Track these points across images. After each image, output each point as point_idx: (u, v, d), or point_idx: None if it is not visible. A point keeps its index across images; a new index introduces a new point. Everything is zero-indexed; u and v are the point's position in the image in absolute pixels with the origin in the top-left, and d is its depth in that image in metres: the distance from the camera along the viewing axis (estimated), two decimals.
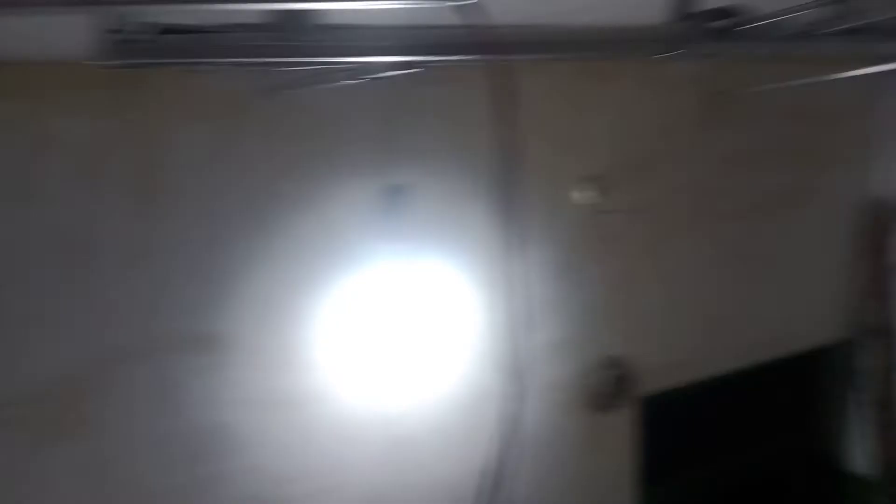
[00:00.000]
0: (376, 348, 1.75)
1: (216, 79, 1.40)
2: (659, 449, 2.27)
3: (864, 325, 2.60)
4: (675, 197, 2.16)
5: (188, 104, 1.43)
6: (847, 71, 2.02)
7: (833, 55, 2.13)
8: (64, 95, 1.35)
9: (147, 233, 1.45)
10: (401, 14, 0.83)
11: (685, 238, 2.21)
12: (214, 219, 1.51)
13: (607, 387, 2.12)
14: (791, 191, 2.43)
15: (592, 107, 1.96)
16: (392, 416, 1.80)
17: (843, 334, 2.63)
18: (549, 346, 2.00)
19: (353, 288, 1.70)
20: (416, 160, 1.71)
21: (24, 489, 1.42)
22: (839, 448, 2.81)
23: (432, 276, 1.78)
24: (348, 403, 1.74)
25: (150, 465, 1.53)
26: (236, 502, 1.63)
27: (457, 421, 1.86)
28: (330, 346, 1.70)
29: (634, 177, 2.05)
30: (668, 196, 2.14)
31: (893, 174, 2.64)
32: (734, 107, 2.21)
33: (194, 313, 1.52)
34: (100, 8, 0.55)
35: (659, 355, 2.21)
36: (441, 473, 1.87)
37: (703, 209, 2.23)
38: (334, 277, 1.67)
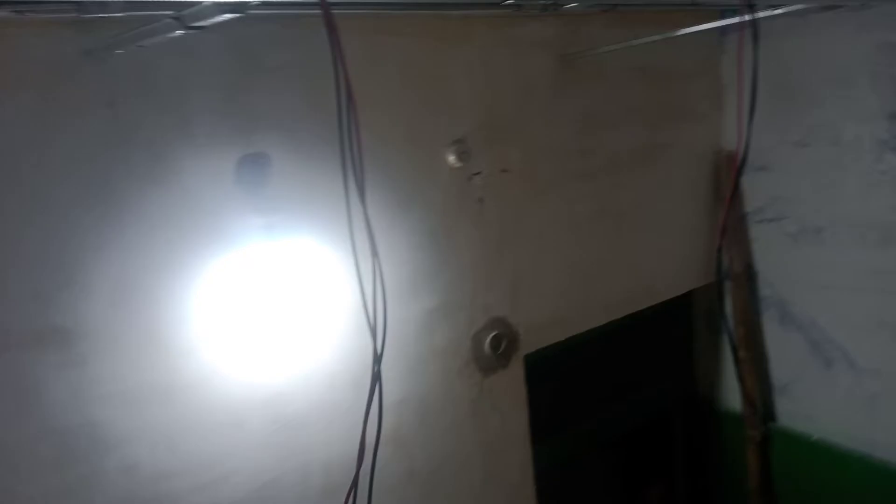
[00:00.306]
0: (250, 327, 1.70)
1: (31, 39, 1.28)
2: (544, 406, 2.33)
3: (726, 270, 2.76)
4: (539, 157, 2.22)
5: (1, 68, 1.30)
6: (686, 28, 2.14)
7: (668, 9, 2.26)
8: None
9: None
10: None
11: (552, 197, 2.27)
12: (53, 199, 1.39)
13: (492, 348, 2.15)
14: (649, 147, 2.55)
15: (451, 70, 1.98)
16: (274, 397, 1.76)
17: (709, 280, 2.79)
18: (429, 312, 2.01)
19: (221, 265, 1.64)
20: (270, 126, 1.67)
21: None
22: (713, 388, 3.00)
23: (301, 250, 1.75)
24: (226, 388, 1.68)
25: (15, 473, 1.41)
26: None
27: (340, 397, 1.84)
28: (201, 329, 1.63)
29: (497, 139, 2.09)
30: (532, 157, 2.20)
31: (740, 128, 2.82)
32: (587, 69, 2.29)
33: (43, 305, 1.41)
34: None
35: (537, 313, 2.27)
36: (331, 451, 1.85)
37: (567, 169, 2.31)
38: (199, 255, 1.60)
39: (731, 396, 2.92)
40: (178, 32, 1.03)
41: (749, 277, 2.78)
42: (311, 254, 1.76)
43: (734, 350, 2.78)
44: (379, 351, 1.11)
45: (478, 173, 2.04)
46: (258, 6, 0.95)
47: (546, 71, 2.21)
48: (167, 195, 1.54)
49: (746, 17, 1.64)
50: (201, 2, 0.88)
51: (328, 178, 1.75)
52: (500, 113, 2.10)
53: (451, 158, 1.98)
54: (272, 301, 1.72)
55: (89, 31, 1.34)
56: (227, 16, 0.93)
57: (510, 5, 1.14)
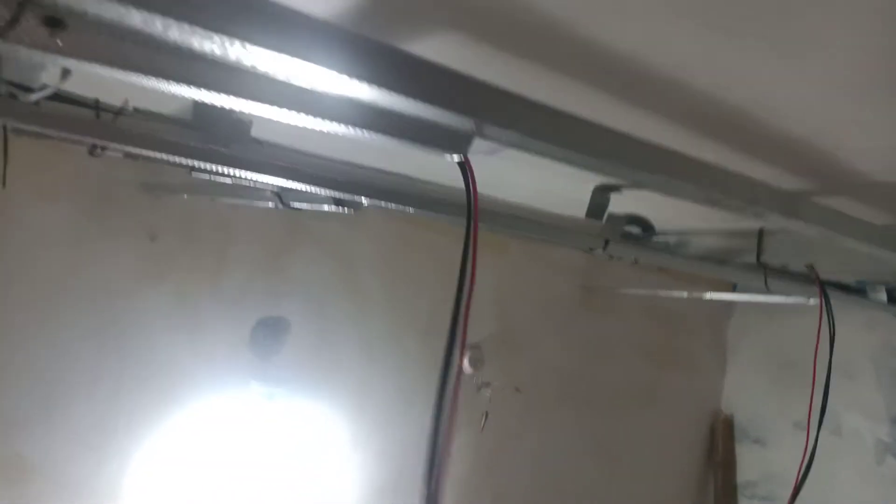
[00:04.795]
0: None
1: (93, 161, 1.25)
2: None
3: None
4: (545, 378, 2.16)
5: (53, 181, 1.27)
6: (707, 291, 2.17)
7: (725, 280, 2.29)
8: None
9: None
10: (345, 146, 0.79)
11: (551, 421, 2.19)
12: (57, 320, 1.31)
13: None
14: (651, 389, 2.50)
15: (483, 274, 1.97)
16: None
17: None
18: None
19: (207, 420, 1.52)
20: (297, 294, 1.62)
21: None
22: None
23: (301, 418, 1.64)
24: None
25: None
26: None
27: None
28: (154, 482, 1.47)
29: (511, 350, 2.05)
30: (540, 376, 2.14)
31: (740, 392, 2.80)
32: (605, 301, 2.30)
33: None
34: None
35: None
36: None
37: (569, 394, 2.24)
38: (184, 408, 1.49)
39: None
40: (270, 205, 1.01)
41: None
42: (309, 426, 1.64)
43: None
44: None
45: (487, 384, 1.97)
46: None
47: (566, 295, 2.21)
48: (177, 341, 1.46)
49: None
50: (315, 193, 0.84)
51: (342, 352, 1.69)
52: (519, 327, 2.07)
53: (464, 363, 1.92)
54: (264, 466, 1.58)
55: (156, 172, 1.33)
56: (331, 208, 0.90)
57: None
